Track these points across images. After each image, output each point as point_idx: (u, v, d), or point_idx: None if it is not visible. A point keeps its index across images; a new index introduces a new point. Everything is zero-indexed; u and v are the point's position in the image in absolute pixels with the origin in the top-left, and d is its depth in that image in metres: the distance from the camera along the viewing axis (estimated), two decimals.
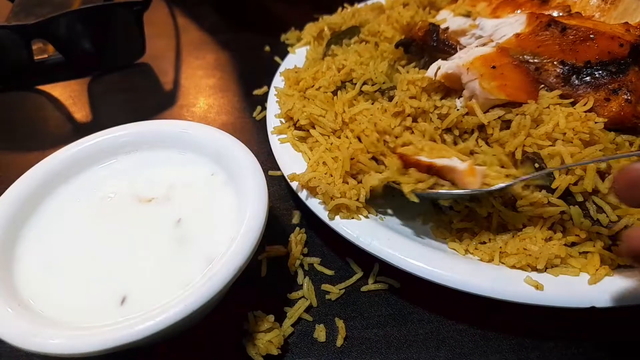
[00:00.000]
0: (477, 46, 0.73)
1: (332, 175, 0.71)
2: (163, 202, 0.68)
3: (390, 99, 0.78)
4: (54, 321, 0.55)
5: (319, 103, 0.80)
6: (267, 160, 0.83)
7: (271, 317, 0.63)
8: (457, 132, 0.71)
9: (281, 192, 0.83)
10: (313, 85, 0.84)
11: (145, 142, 0.74)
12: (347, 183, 0.70)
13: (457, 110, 0.70)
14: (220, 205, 0.67)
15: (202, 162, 0.73)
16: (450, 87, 0.73)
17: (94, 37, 1.11)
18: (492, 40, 0.81)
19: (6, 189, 0.66)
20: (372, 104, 0.78)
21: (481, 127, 0.70)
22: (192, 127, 0.74)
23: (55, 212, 0.68)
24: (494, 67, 0.69)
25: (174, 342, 0.63)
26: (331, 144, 0.76)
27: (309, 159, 0.75)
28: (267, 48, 1.17)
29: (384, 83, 0.80)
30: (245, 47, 1.22)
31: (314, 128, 0.79)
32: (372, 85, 0.81)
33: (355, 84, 0.81)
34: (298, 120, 0.79)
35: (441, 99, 0.72)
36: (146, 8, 1.09)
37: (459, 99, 0.72)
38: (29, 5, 1.33)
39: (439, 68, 0.72)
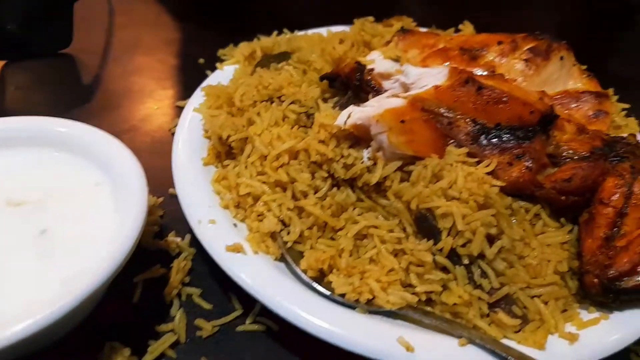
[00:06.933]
0: (388, 97, 0.72)
1: None
2: (34, 208, 0.63)
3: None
4: None
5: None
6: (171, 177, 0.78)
7: (127, 351, 0.58)
8: (359, 184, 0.69)
9: (178, 213, 0.78)
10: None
11: (29, 139, 0.69)
12: None
13: (362, 162, 0.68)
14: (96, 218, 0.62)
15: (88, 169, 0.67)
16: (359, 137, 0.71)
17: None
18: (411, 88, 0.81)
19: None
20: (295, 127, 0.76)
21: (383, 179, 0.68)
22: (86, 131, 0.69)
23: None
24: (403, 121, 0.67)
25: None
26: None
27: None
28: (202, 60, 1.13)
29: (311, 108, 0.78)
30: (178, 55, 1.18)
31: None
32: (300, 106, 0.79)
33: (283, 101, 0.79)
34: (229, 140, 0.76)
35: (350, 147, 0.71)
36: None
37: (366, 149, 0.70)
38: None
39: (349, 116, 0.70)
